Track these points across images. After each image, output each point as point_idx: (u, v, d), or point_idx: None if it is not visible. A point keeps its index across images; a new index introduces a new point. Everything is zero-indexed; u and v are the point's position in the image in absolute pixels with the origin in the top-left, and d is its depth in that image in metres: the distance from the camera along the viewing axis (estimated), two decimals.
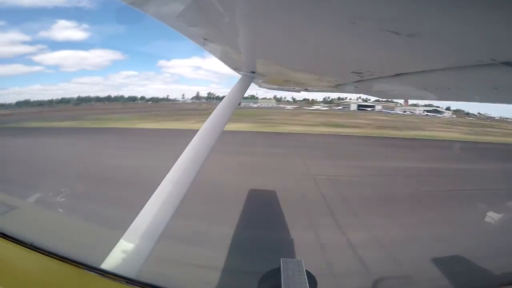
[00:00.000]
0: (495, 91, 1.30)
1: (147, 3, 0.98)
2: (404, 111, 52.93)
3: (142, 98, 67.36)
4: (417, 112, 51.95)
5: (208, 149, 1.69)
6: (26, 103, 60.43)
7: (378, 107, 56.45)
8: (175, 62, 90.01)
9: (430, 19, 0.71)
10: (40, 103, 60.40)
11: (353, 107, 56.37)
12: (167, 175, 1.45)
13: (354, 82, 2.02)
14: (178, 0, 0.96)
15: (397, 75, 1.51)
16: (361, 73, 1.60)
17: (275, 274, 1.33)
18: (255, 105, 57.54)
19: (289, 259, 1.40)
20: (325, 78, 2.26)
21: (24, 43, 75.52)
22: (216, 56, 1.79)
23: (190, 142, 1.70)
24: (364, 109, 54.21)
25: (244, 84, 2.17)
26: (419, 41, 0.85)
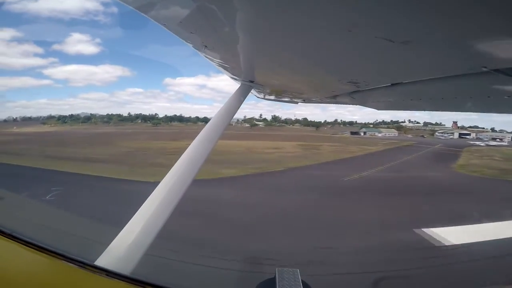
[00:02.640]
0: (488, 99, 1.32)
1: (151, 8, 1.01)
2: (495, 139, 52.28)
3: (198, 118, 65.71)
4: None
5: (204, 155, 1.69)
6: (74, 118, 56.50)
7: (473, 134, 56.62)
8: (180, 80, 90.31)
9: (422, 28, 0.74)
10: (106, 120, 55.87)
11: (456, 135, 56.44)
12: (164, 179, 1.46)
13: (351, 92, 2.06)
14: (182, 6, 0.99)
15: (392, 85, 1.54)
16: (357, 83, 1.63)
17: (270, 284, 1.29)
18: (380, 135, 57.02)
19: (284, 268, 1.36)
20: (323, 89, 2.29)
21: (36, 55, 77.80)
22: (216, 64, 1.82)
23: (187, 149, 1.70)
24: (464, 137, 54.87)
25: (242, 93, 2.19)
26: (412, 49, 0.87)
